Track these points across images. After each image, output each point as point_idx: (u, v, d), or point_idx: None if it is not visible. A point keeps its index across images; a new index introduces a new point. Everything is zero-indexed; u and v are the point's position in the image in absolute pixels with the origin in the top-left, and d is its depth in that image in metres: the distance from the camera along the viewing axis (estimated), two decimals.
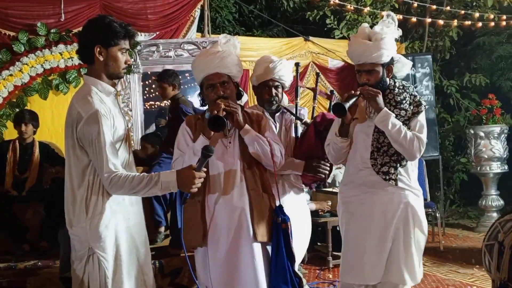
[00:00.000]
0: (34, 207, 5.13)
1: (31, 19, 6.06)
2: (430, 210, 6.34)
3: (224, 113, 2.87)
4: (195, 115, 3.28)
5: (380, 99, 3.04)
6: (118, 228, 2.48)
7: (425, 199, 6.22)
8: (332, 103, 3.47)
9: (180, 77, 5.35)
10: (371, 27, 3.18)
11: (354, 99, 2.99)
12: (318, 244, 6.18)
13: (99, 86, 2.51)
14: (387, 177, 3.08)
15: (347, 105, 2.94)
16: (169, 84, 5.11)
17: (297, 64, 3.73)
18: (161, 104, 6.85)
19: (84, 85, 2.55)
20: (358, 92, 3.02)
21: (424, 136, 3.06)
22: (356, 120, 3.16)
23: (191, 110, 4.82)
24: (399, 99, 3.11)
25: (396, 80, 3.20)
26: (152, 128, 6.95)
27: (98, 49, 2.48)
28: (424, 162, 6.57)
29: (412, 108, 3.11)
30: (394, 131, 2.99)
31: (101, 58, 2.49)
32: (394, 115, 3.04)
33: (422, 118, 3.11)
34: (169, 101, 5.29)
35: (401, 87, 3.16)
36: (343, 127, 3.13)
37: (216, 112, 2.83)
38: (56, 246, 4.44)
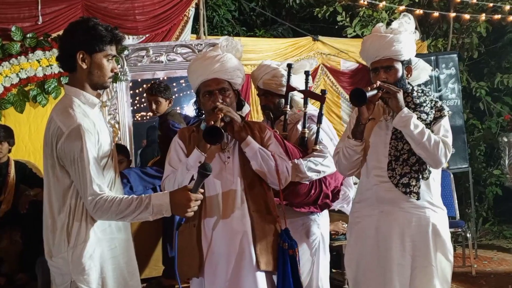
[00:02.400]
0: (10, 234, 5.14)
1: (4, 23, 6.05)
2: (459, 229, 6.31)
3: (222, 123, 2.88)
4: (189, 127, 3.29)
5: (400, 96, 3.04)
6: (104, 258, 2.48)
7: (453, 217, 6.23)
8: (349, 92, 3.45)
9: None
10: (387, 26, 3.20)
11: (373, 92, 2.99)
12: (333, 270, 6.16)
13: (82, 98, 2.53)
14: (408, 190, 3.06)
15: (369, 93, 2.93)
16: (166, 99, 5.20)
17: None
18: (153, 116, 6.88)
19: (65, 96, 2.57)
20: (377, 85, 3.02)
21: (450, 140, 3.07)
22: (373, 120, 3.16)
23: (180, 125, 4.85)
24: (418, 102, 3.13)
25: (414, 85, 3.22)
26: (144, 142, 6.98)
27: (81, 56, 2.50)
28: (451, 175, 6.55)
29: (434, 112, 3.12)
30: (417, 133, 2.98)
31: (84, 66, 2.51)
32: (416, 117, 3.04)
33: (445, 123, 3.12)
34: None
35: (420, 91, 3.18)
36: (358, 128, 3.12)
37: (213, 122, 2.83)
38: (35, 278, 4.44)
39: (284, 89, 3.65)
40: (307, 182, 3.45)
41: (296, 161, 3.35)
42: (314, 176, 3.42)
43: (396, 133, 3.10)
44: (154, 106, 5.24)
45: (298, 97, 3.74)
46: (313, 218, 3.62)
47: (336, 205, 3.82)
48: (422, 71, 3.31)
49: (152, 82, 5.44)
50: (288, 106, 3.66)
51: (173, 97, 5.44)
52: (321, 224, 3.66)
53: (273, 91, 3.68)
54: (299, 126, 3.62)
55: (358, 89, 2.97)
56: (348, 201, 3.88)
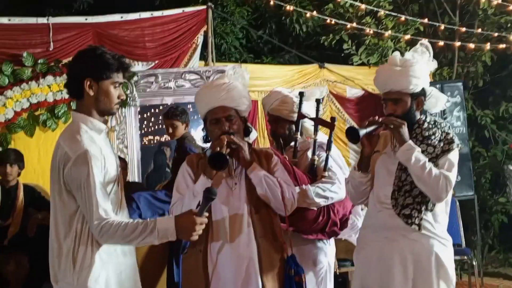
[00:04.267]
0: (17, 258, 5.09)
1: (16, 49, 6.10)
2: (465, 257, 6.26)
3: (228, 150, 2.88)
4: (197, 154, 3.30)
5: (404, 130, 3.03)
6: (109, 282, 2.46)
7: (459, 245, 6.17)
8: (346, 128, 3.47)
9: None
10: (402, 55, 3.21)
11: (373, 127, 3.00)
12: None
13: (89, 124, 2.54)
14: (409, 221, 3.04)
15: (362, 131, 2.95)
16: (183, 122, 5.18)
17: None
18: (161, 139, 6.88)
19: (73, 123, 2.58)
20: (379, 120, 3.03)
21: (452, 175, 3.03)
22: (377, 153, 3.16)
23: (197, 150, 4.84)
24: (427, 134, 3.11)
25: (428, 116, 3.20)
26: (151, 166, 6.97)
27: (88, 83, 2.50)
28: (457, 203, 6.51)
29: (442, 145, 3.09)
30: (418, 167, 2.97)
31: (92, 93, 2.52)
32: (420, 150, 3.03)
33: (453, 157, 3.08)
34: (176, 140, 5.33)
35: (432, 123, 3.15)
36: (362, 160, 3.13)
37: (218, 148, 2.84)
38: None
39: (295, 115, 3.64)
40: (315, 209, 3.43)
41: (304, 187, 3.34)
42: (322, 202, 3.41)
43: (402, 164, 3.09)
44: (170, 130, 5.21)
45: (308, 124, 3.73)
46: (320, 247, 3.59)
47: (344, 234, 3.79)
48: (438, 100, 3.28)
49: (170, 106, 5.43)
50: (299, 133, 3.65)
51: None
52: (328, 253, 3.62)
53: (284, 117, 3.66)
54: (309, 153, 3.61)
55: (351, 128, 3.01)
56: (356, 231, 3.83)
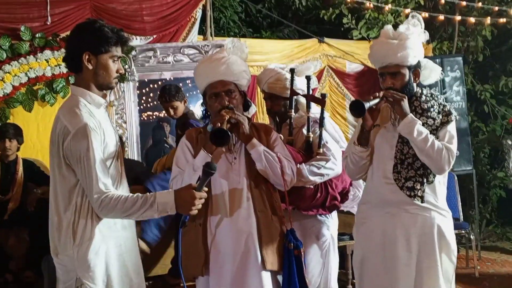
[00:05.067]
0: (18, 232, 5.13)
1: (14, 23, 6.06)
2: (463, 231, 6.29)
3: (229, 125, 2.88)
4: (196, 128, 3.29)
5: (405, 104, 3.04)
6: (109, 255, 2.48)
7: (457, 219, 6.20)
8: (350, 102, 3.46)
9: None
10: (395, 28, 3.19)
11: (375, 101, 3.00)
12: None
13: (88, 98, 2.53)
14: (412, 194, 3.06)
15: (367, 104, 2.94)
16: (181, 100, 5.14)
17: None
18: (160, 114, 6.88)
19: (71, 97, 2.57)
20: (381, 94, 3.03)
21: (454, 147, 3.06)
22: (378, 127, 3.16)
23: (201, 124, 4.82)
24: (426, 107, 3.12)
25: (423, 88, 3.21)
26: (149, 142, 6.97)
27: (87, 57, 2.50)
28: (455, 177, 6.52)
29: (441, 117, 3.11)
30: (420, 139, 2.98)
31: (90, 67, 2.51)
32: (421, 123, 3.04)
33: (452, 128, 3.11)
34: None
35: (429, 95, 3.17)
36: (362, 134, 3.13)
37: (219, 124, 2.83)
38: (41, 276, 4.45)
39: (289, 92, 3.64)
40: (312, 187, 3.44)
41: (298, 166, 3.35)
42: (317, 179, 3.41)
43: (403, 137, 3.10)
44: (172, 112, 5.16)
45: (303, 99, 3.73)
46: (323, 220, 3.61)
47: (346, 206, 3.81)
48: (432, 72, 3.29)
49: (162, 88, 5.35)
50: (294, 110, 3.64)
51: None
52: (330, 226, 3.65)
53: (278, 94, 3.66)
54: (305, 130, 3.60)
55: (357, 101, 2.99)
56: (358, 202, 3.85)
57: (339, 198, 3.59)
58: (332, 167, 3.45)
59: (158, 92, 5.35)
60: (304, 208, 3.48)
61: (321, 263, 3.58)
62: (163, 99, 5.19)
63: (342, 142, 3.70)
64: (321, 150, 3.48)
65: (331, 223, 3.66)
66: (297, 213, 3.41)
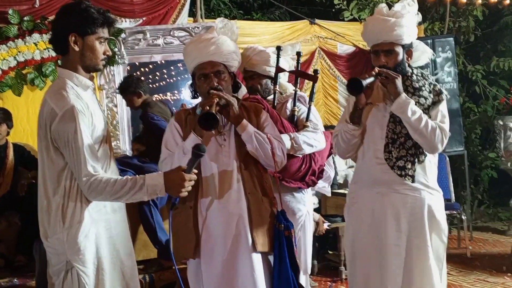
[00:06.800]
0: (9, 217, 5.13)
1: (1, 6, 5.99)
2: (455, 212, 6.33)
3: (218, 108, 2.85)
4: (186, 109, 3.27)
5: (399, 82, 3.03)
6: (99, 238, 2.48)
7: (449, 200, 6.23)
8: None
9: (143, 79, 5.45)
10: (389, 7, 3.17)
11: (370, 80, 2.99)
12: (330, 252, 6.18)
13: (75, 80, 2.52)
14: (403, 173, 3.07)
15: (364, 82, 2.93)
16: (133, 93, 5.12)
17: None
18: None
19: (58, 79, 2.56)
20: (375, 72, 3.02)
21: (447, 126, 3.07)
22: (370, 105, 3.15)
23: (159, 117, 4.82)
24: (417, 86, 3.12)
25: (414, 68, 3.20)
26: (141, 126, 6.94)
27: (73, 38, 2.48)
28: (447, 158, 6.55)
29: (432, 96, 3.11)
30: (414, 119, 2.98)
31: (77, 48, 2.49)
32: (414, 102, 3.03)
33: (443, 107, 3.11)
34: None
35: (420, 75, 3.17)
36: (355, 113, 3.13)
37: (208, 108, 2.81)
38: (33, 260, 4.45)
39: (271, 69, 3.68)
40: (300, 156, 3.51)
41: (291, 134, 3.41)
42: (307, 149, 3.49)
43: (394, 116, 3.09)
44: (129, 105, 5.32)
45: (283, 80, 3.83)
46: (299, 196, 3.68)
47: (319, 186, 3.90)
48: (422, 54, 3.29)
49: (120, 81, 5.44)
50: (277, 86, 3.69)
51: (148, 85, 5.42)
52: (306, 202, 3.74)
53: (260, 72, 3.69)
54: (289, 105, 3.68)
55: (355, 79, 2.97)
56: (329, 182, 4.07)
57: (317, 174, 3.68)
58: (320, 139, 3.56)
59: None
60: (287, 179, 3.53)
61: (297, 237, 3.64)
62: (120, 93, 5.34)
63: (320, 125, 3.76)
64: (308, 124, 3.56)
65: (306, 198, 3.76)
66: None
